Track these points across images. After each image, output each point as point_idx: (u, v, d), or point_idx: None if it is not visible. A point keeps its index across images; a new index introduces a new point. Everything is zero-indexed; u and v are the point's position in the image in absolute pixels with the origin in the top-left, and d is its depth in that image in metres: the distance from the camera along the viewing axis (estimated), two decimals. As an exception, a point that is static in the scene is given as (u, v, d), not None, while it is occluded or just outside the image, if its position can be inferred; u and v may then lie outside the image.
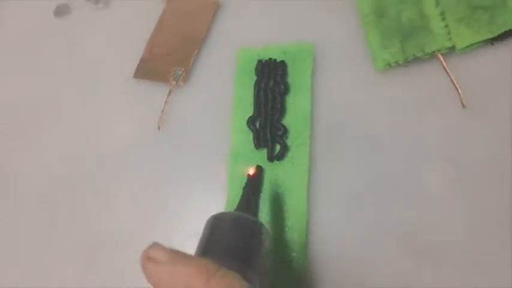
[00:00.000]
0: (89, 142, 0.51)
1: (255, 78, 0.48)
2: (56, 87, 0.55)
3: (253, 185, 0.42)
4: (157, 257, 0.27)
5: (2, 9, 0.62)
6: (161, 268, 0.27)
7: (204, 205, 0.46)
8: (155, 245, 0.28)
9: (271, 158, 0.44)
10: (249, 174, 0.43)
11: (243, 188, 0.41)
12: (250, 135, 0.45)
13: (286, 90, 0.46)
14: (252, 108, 0.46)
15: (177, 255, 0.27)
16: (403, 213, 0.40)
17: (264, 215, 0.43)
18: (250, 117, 0.46)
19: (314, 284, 0.40)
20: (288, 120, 0.45)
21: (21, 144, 0.53)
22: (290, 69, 0.47)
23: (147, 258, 0.27)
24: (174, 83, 0.50)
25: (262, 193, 0.43)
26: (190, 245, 0.43)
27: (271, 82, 0.46)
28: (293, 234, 0.41)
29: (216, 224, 0.35)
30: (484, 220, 0.38)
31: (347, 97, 0.45)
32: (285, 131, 0.45)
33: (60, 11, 0.59)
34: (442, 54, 0.44)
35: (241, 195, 0.40)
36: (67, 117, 0.53)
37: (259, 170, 0.43)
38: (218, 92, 0.49)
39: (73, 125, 0.53)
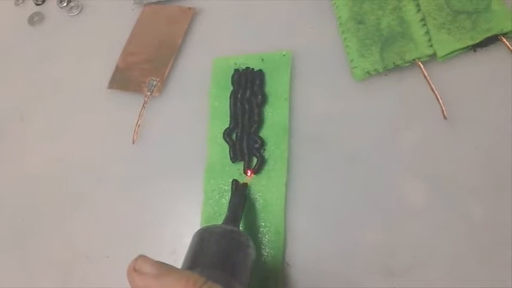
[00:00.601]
0: (63, 154, 0.50)
1: (231, 88, 0.46)
2: (30, 96, 0.54)
3: (238, 197, 0.41)
4: (144, 269, 0.27)
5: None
6: (148, 280, 0.27)
7: (180, 218, 0.45)
8: (142, 257, 0.28)
9: (247, 172, 0.43)
10: (236, 186, 0.42)
11: (229, 201, 0.41)
12: (227, 148, 0.44)
13: (263, 100, 0.45)
14: (229, 120, 0.45)
15: (164, 267, 0.28)
16: (380, 227, 0.39)
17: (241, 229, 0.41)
18: (226, 129, 0.45)
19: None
20: (265, 132, 0.44)
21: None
22: (268, 79, 0.46)
23: (133, 270, 0.27)
24: (149, 94, 0.48)
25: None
26: (165, 258, 0.42)
27: (248, 92, 0.45)
28: (270, 250, 0.40)
29: (204, 237, 0.35)
30: (465, 232, 0.37)
31: (326, 108, 0.44)
32: (262, 143, 0.43)
33: (34, 19, 0.57)
34: (422, 62, 0.42)
35: (228, 209, 0.40)
36: (40, 127, 0.52)
37: (244, 185, 0.42)
38: (194, 102, 0.48)
39: (46, 135, 0.51)
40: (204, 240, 0.35)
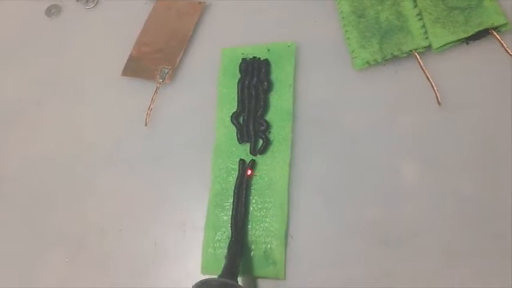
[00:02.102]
0: (78, 136, 0.52)
1: (239, 76, 0.49)
2: (47, 84, 0.56)
3: (236, 248, 0.41)
4: None
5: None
6: None
7: (189, 194, 0.47)
8: None
9: (253, 152, 0.45)
10: (231, 238, 0.43)
11: (227, 249, 0.41)
12: (234, 130, 0.47)
13: (269, 87, 0.48)
14: (236, 105, 0.48)
15: None
16: (379, 206, 0.41)
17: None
18: (234, 112, 0.47)
19: (292, 272, 0.41)
20: (270, 116, 0.47)
21: (10, 139, 0.55)
22: (273, 67, 0.49)
23: None
24: (161, 80, 0.51)
25: (245, 186, 0.44)
26: (175, 230, 0.45)
27: (254, 80, 0.48)
28: (274, 224, 0.42)
29: None
30: (456, 208, 0.40)
31: (327, 94, 0.47)
32: (268, 126, 0.46)
33: (51, 11, 0.60)
34: (418, 53, 0.45)
35: (226, 259, 0.40)
36: (56, 113, 0.54)
37: (242, 234, 0.43)
38: (203, 89, 0.50)
39: (62, 120, 0.54)
40: None
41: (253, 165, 0.45)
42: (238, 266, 0.40)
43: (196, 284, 0.36)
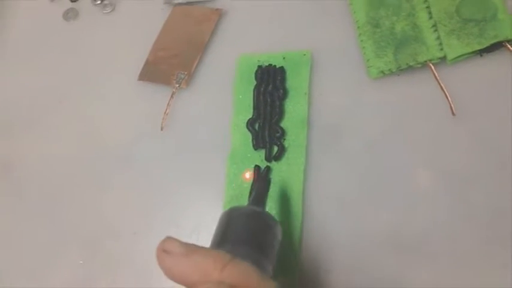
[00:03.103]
0: (95, 139, 0.53)
1: (254, 82, 0.50)
2: (64, 87, 0.57)
3: (264, 181, 0.43)
4: (173, 249, 0.28)
5: (14, 12, 0.64)
6: (177, 260, 0.28)
7: (203, 203, 0.47)
8: (169, 239, 0.29)
9: (269, 158, 0.46)
10: (258, 173, 0.45)
11: (252, 184, 0.44)
12: (249, 137, 0.47)
13: (284, 94, 0.48)
14: (252, 111, 0.48)
15: (192, 247, 0.29)
16: (393, 214, 0.42)
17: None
18: (249, 119, 0.48)
19: (306, 276, 0.42)
20: (285, 123, 0.47)
21: (29, 138, 0.55)
22: (288, 75, 0.49)
23: (163, 251, 0.29)
24: (177, 85, 0.52)
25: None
26: (188, 236, 0.46)
27: (270, 86, 0.49)
28: (289, 230, 0.43)
29: (232, 215, 0.36)
30: (467, 214, 0.41)
31: (342, 102, 0.47)
32: (283, 133, 0.47)
33: (69, 15, 0.61)
34: (433, 64, 0.46)
35: (253, 191, 0.41)
36: (73, 115, 0.55)
37: (268, 169, 0.45)
38: (219, 95, 0.51)
39: (79, 123, 0.54)
40: (233, 218, 0.36)
41: (267, 171, 0.45)
42: (266, 197, 0.40)
43: (226, 211, 0.36)
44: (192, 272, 0.27)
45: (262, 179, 0.44)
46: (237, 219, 0.35)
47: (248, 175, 0.46)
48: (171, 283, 0.44)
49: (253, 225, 0.35)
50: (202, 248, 0.29)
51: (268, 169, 0.45)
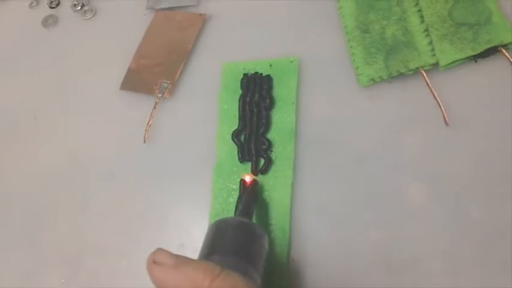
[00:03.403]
0: (76, 151, 0.51)
1: (240, 92, 0.48)
2: (43, 96, 0.55)
3: (251, 192, 0.42)
4: (163, 261, 0.29)
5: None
6: (168, 271, 0.28)
7: (188, 216, 0.46)
8: (160, 250, 0.30)
9: (255, 171, 0.44)
10: (245, 182, 0.43)
11: (239, 195, 0.43)
12: (235, 148, 0.46)
13: (271, 104, 0.47)
14: (237, 122, 0.47)
15: (182, 258, 0.29)
16: (384, 231, 0.40)
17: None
18: (234, 130, 0.46)
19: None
20: (272, 134, 0.46)
21: (6, 154, 0.53)
22: (275, 83, 0.48)
23: (153, 263, 0.29)
24: (160, 95, 0.50)
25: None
26: (174, 251, 0.44)
27: (256, 96, 0.47)
28: (276, 247, 0.41)
29: (220, 227, 0.36)
30: (463, 231, 0.39)
31: (331, 112, 0.46)
32: (270, 144, 0.45)
33: (48, 22, 0.59)
34: (425, 71, 0.44)
35: (240, 202, 0.41)
36: (53, 126, 0.53)
37: (255, 181, 0.44)
38: (204, 104, 0.49)
39: (59, 134, 0.53)
40: (220, 230, 0.36)
41: (255, 183, 0.44)
42: (253, 208, 0.41)
43: (214, 222, 0.37)
44: (183, 284, 0.28)
45: (249, 190, 0.43)
46: (224, 230, 0.36)
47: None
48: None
49: (241, 236, 0.36)
50: (193, 260, 0.30)
51: (255, 181, 0.44)
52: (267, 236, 0.37)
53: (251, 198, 0.42)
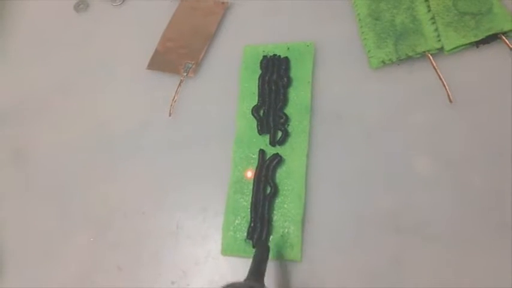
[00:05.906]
0: (104, 123, 0.55)
1: (259, 72, 0.52)
2: (74, 75, 0.59)
3: (263, 249, 0.42)
4: None
5: (25, 3, 0.66)
6: None
7: (210, 182, 0.49)
8: None
9: (273, 143, 0.48)
10: (258, 243, 0.44)
11: (253, 256, 0.41)
12: (254, 122, 0.49)
13: (288, 83, 0.50)
14: (257, 98, 0.50)
15: None
16: (393, 197, 0.44)
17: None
18: (254, 106, 0.50)
19: (308, 255, 0.43)
20: (289, 110, 0.49)
21: (39, 127, 0.57)
22: (292, 65, 0.52)
23: None
24: (185, 74, 0.54)
25: (263, 175, 0.47)
26: (195, 213, 0.48)
27: (274, 75, 0.51)
28: (291, 210, 0.45)
29: None
30: (465, 198, 0.42)
31: (344, 91, 0.49)
32: (287, 119, 0.49)
33: (80, 7, 0.63)
34: (431, 55, 0.48)
35: (253, 263, 0.40)
36: (83, 104, 0.57)
37: (267, 247, 0.43)
38: (225, 83, 0.53)
39: (89, 108, 0.56)
40: None
41: (266, 238, 0.45)
42: (264, 269, 0.40)
43: (223, 287, 0.36)
44: None
45: (261, 246, 0.43)
46: None
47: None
48: (178, 260, 0.46)
49: None
50: None
51: (267, 238, 0.45)
52: None
53: (263, 255, 0.41)
